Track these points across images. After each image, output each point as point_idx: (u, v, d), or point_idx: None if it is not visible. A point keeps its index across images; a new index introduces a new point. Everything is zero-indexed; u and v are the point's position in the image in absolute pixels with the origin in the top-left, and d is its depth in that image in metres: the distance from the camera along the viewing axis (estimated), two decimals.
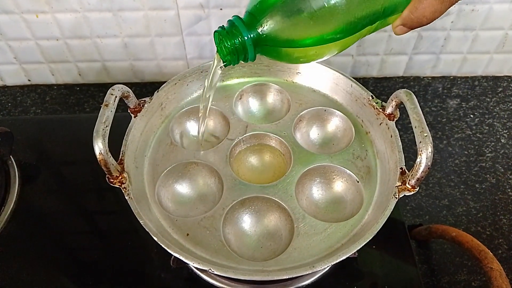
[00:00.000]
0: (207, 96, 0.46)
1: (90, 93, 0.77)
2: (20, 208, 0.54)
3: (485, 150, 0.67)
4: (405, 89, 0.43)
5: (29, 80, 0.78)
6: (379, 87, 0.77)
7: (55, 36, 0.70)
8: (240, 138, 0.50)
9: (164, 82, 0.52)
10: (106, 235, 0.54)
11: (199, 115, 0.47)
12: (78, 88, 0.78)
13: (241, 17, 0.37)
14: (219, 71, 0.42)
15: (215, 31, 0.39)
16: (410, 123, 0.40)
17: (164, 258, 0.49)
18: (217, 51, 0.40)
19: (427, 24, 0.37)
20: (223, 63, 0.40)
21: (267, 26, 0.36)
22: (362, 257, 0.49)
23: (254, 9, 0.37)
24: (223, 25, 0.38)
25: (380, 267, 0.49)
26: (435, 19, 0.36)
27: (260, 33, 0.36)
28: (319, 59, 0.39)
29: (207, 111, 0.47)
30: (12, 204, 0.54)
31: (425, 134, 0.38)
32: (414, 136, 0.39)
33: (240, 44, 0.37)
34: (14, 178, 0.56)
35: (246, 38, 0.36)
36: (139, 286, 0.49)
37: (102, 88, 0.78)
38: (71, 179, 0.59)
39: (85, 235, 0.53)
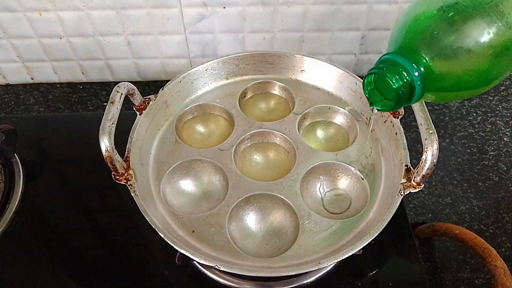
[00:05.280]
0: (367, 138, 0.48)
1: (93, 92, 0.77)
2: (24, 206, 0.54)
3: (488, 149, 0.67)
4: None
5: (32, 79, 0.78)
6: None
7: (58, 34, 0.70)
8: (244, 136, 0.50)
9: (167, 80, 0.52)
10: (110, 233, 0.54)
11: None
12: (81, 87, 0.78)
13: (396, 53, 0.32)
14: (374, 115, 0.39)
15: (367, 75, 0.34)
16: (413, 121, 0.40)
17: (169, 256, 0.48)
18: (369, 100, 0.36)
19: None
20: (379, 108, 0.35)
21: (433, 58, 0.30)
22: (366, 254, 0.49)
23: (409, 40, 0.31)
24: (375, 68, 0.33)
25: (384, 264, 0.50)
26: None
27: (428, 67, 0.30)
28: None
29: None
30: (17, 201, 0.54)
31: (431, 131, 0.38)
32: (417, 135, 0.39)
33: (406, 83, 0.31)
34: (19, 176, 0.56)
35: (415, 74, 0.31)
36: (143, 284, 0.49)
37: (105, 86, 0.78)
38: (74, 177, 0.59)
39: (89, 232, 0.53)
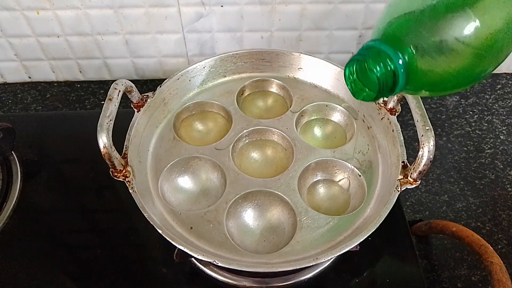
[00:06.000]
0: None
1: (91, 90, 0.77)
2: (22, 204, 0.54)
3: (484, 147, 0.68)
4: None
5: (29, 77, 0.78)
6: None
7: (55, 33, 0.70)
8: (241, 133, 0.50)
9: (165, 79, 0.52)
10: (108, 231, 0.54)
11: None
12: (78, 85, 0.78)
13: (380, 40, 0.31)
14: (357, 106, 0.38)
15: (349, 62, 0.33)
16: (410, 119, 0.41)
17: (167, 253, 0.48)
18: (351, 91, 0.34)
19: None
20: (360, 99, 0.34)
21: (417, 48, 0.29)
22: (363, 252, 0.49)
23: (393, 28, 0.30)
24: (358, 54, 0.32)
25: (381, 262, 0.50)
26: None
27: (412, 57, 0.29)
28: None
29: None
30: (14, 199, 0.54)
31: (427, 128, 0.39)
32: (414, 133, 0.39)
33: (389, 72, 0.30)
34: (16, 174, 0.56)
35: (399, 63, 0.29)
36: (141, 282, 0.49)
37: (103, 85, 0.78)
38: (72, 175, 0.59)
39: (87, 231, 0.53)
